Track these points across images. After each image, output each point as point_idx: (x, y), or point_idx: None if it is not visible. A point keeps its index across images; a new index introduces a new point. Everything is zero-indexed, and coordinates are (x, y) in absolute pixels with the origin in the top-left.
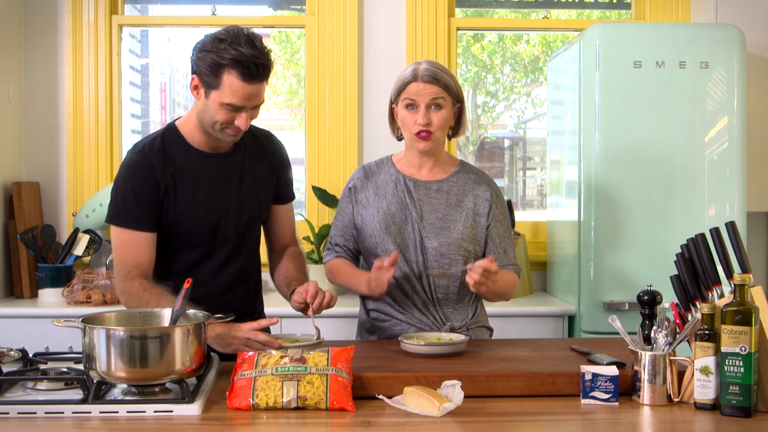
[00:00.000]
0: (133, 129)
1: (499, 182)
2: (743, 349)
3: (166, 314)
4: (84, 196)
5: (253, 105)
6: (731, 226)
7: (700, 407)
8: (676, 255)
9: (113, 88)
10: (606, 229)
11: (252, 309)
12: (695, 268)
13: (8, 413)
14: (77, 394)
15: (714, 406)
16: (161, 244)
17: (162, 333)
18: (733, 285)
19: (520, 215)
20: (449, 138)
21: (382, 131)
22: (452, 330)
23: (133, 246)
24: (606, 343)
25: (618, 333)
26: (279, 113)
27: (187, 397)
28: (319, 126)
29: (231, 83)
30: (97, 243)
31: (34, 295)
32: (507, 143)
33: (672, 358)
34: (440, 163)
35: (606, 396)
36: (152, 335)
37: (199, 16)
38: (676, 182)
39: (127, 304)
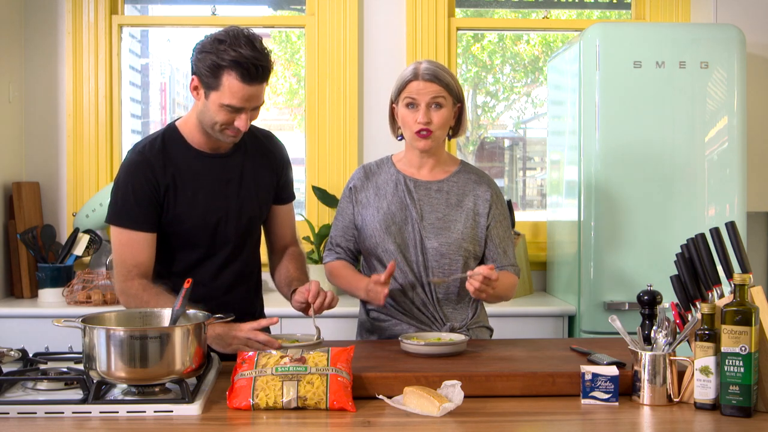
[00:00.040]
0: (133, 129)
1: (499, 182)
2: (743, 349)
3: (166, 314)
4: (84, 196)
5: (252, 106)
6: (731, 226)
7: (700, 407)
8: (676, 255)
9: (113, 88)
10: (606, 229)
11: (252, 309)
12: (695, 268)
13: (8, 413)
14: (77, 394)
15: (714, 406)
16: (161, 244)
17: (162, 333)
18: (733, 285)
19: (520, 215)
20: (449, 138)
21: (382, 131)
22: (452, 330)
23: (132, 246)
24: (606, 343)
25: (618, 333)
26: (279, 113)
27: (187, 397)
28: (319, 126)
29: (230, 84)
30: (97, 243)
31: (34, 295)
32: (507, 143)
33: (672, 358)
34: (440, 163)
35: (606, 396)
36: (152, 335)
37: (199, 16)
38: (676, 182)
39: (127, 305)
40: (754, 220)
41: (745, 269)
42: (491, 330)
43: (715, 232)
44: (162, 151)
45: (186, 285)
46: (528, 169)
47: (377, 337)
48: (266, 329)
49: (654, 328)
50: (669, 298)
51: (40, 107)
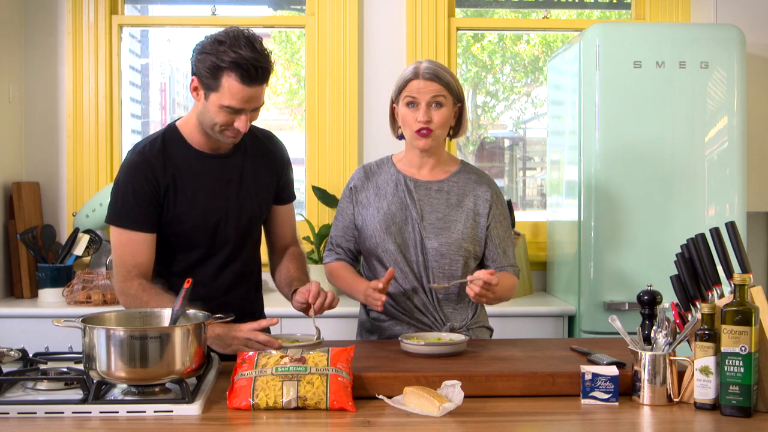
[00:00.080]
0: (133, 129)
1: (499, 182)
2: (743, 349)
3: (166, 314)
4: (84, 196)
5: (252, 107)
6: (731, 226)
7: (700, 407)
8: (676, 255)
9: (113, 88)
10: (606, 229)
11: (252, 309)
12: (695, 268)
13: (8, 413)
14: (77, 394)
15: (714, 406)
16: (161, 244)
17: (162, 333)
18: (733, 285)
19: (520, 215)
20: (450, 138)
21: (382, 131)
22: (452, 330)
23: (132, 246)
24: (606, 343)
25: (618, 333)
26: (279, 113)
27: (187, 397)
28: (319, 126)
29: (230, 86)
30: (97, 243)
31: (34, 295)
32: (507, 143)
33: (672, 358)
34: (441, 163)
35: (606, 396)
36: (152, 335)
37: (199, 16)
38: (676, 182)
39: (127, 305)
40: (754, 220)
41: (745, 269)
42: (491, 330)
43: (715, 232)
44: (162, 152)
45: (186, 285)
46: (528, 169)
47: (377, 337)
48: (266, 329)
49: (654, 328)
50: (669, 298)
51: (40, 107)
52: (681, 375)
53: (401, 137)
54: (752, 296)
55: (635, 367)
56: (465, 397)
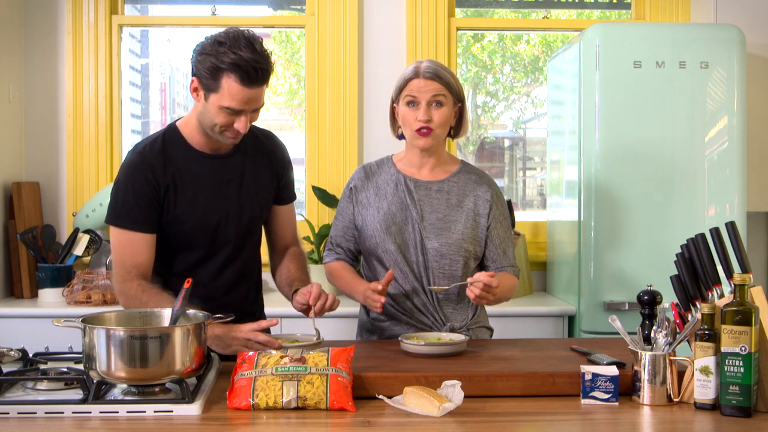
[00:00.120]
0: (133, 129)
1: (499, 182)
2: (743, 349)
3: (166, 314)
4: (84, 196)
5: (252, 108)
6: (731, 226)
7: (700, 407)
8: (676, 255)
9: (113, 88)
10: (606, 229)
11: (252, 309)
12: (695, 268)
13: (8, 413)
14: (77, 394)
15: (714, 406)
16: (162, 245)
17: (162, 333)
18: (733, 285)
19: (520, 215)
20: (452, 138)
21: (382, 131)
22: (452, 330)
23: (132, 247)
24: (606, 343)
25: (618, 333)
26: (279, 113)
27: (187, 397)
28: (319, 126)
29: (230, 87)
30: (97, 243)
31: (34, 295)
32: (507, 143)
33: (672, 358)
34: (441, 163)
35: (606, 396)
36: (152, 335)
37: (199, 16)
38: (676, 182)
39: (126, 305)
40: (754, 220)
41: (745, 269)
42: (491, 330)
43: (715, 232)
44: (162, 152)
45: (186, 285)
46: (528, 169)
47: (377, 338)
48: (266, 330)
49: (654, 328)
50: (669, 298)
51: (40, 107)
52: (681, 375)
53: (401, 137)
54: (752, 296)
55: (635, 367)
56: (465, 397)
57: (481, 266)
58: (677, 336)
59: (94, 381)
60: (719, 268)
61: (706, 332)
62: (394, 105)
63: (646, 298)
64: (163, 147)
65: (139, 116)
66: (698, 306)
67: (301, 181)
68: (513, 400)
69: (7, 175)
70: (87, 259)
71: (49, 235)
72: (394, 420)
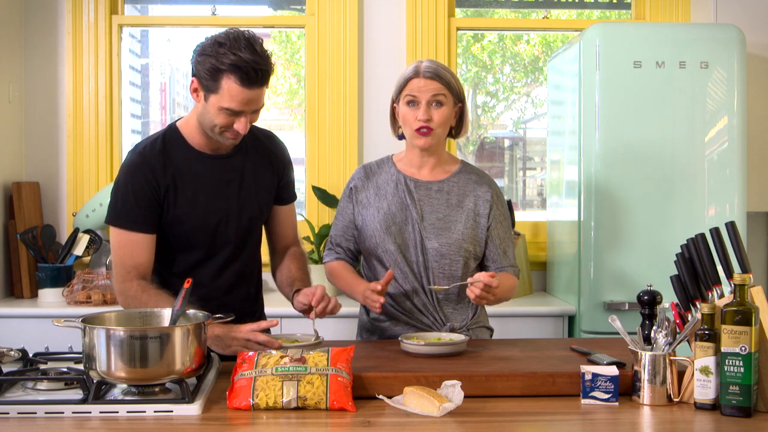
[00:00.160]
0: (133, 129)
1: (499, 182)
2: (743, 349)
3: (166, 314)
4: (84, 196)
5: (252, 109)
6: (731, 226)
7: (700, 407)
8: (676, 255)
9: (113, 88)
10: (606, 229)
11: (253, 310)
12: (695, 268)
13: (8, 413)
14: (77, 394)
15: (714, 406)
16: (162, 245)
17: (162, 333)
18: (733, 285)
19: (520, 215)
20: (453, 137)
21: (382, 131)
22: (452, 330)
23: (132, 247)
24: (606, 343)
25: (618, 333)
26: (279, 113)
27: (187, 397)
28: (319, 126)
29: (230, 88)
30: (97, 243)
31: (34, 295)
32: (507, 143)
33: (672, 358)
34: (441, 162)
35: (606, 396)
36: (152, 335)
37: (199, 16)
38: (676, 182)
39: (126, 306)
40: (754, 220)
41: (745, 269)
42: (491, 330)
43: (715, 232)
44: (162, 152)
45: (186, 285)
46: (528, 169)
47: (377, 338)
48: (266, 330)
49: (654, 328)
50: (669, 298)
51: (40, 107)
52: (681, 375)
53: (401, 137)
54: (752, 296)
55: (635, 367)
56: (465, 397)
57: (482, 266)
58: (677, 336)
59: (94, 381)
60: (719, 268)
61: (706, 332)
62: (395, 105)
63: (646, 298)
64: (164, 147)
65: (139, 116)
66: (698, 306)
67: (301, 181)
68: (513, 400)
69: (7, 175)
70: (87, 259)
71: (49, 235)
72: (394, 420)
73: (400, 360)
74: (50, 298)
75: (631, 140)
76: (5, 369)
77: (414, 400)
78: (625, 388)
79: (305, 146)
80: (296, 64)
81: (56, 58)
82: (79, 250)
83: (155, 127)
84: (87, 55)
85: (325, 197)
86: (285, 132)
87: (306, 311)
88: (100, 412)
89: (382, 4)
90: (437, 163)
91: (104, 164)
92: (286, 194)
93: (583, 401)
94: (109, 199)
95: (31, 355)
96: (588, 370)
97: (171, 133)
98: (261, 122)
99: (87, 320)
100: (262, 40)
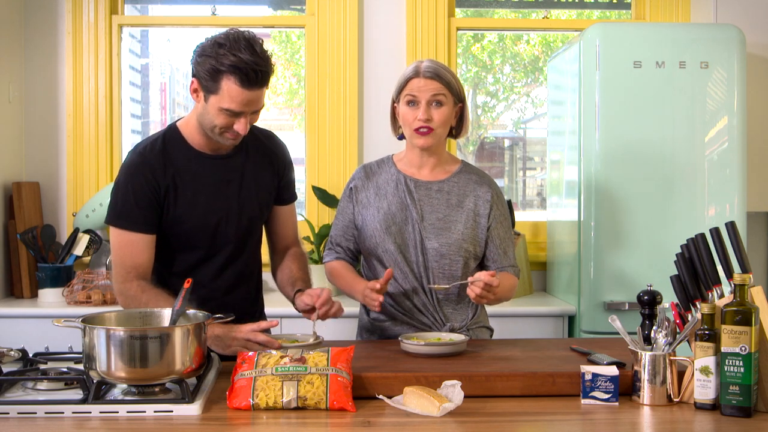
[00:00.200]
0: (133, 129)
1: (499, 182)
2: (743, 349)
3: (166, 314)
4: (84, 196)
5: (252, 110)
6: (731, 226)
7: (700, 407)
8: (676, 255)
9: (113, 88)
10: (606, 229)
11: (253, 310)
12: (695, 268)
13: (8, 413)
14: (77, 394)
15: (714, 406)
16: (162, 245)
17: (162, 333)
18: (733, 285)
19: (520, 215)
20: (454, 137)
21: (382, 131)
22: (452, 330)
23: (132, 248)
24: (606, 343)
25: (618, 333)
26: (279, 113)
27: (187, 397)
28: (319, 126)
29: (230, 89)
30: (97, 243)
31: (34, 295)
32: (507, 143)
33: (672, 358)
34: (441, 163)
35: (606, 396)
36: (152, 335)
37: (199, 16)
38: (676, 182)
39: (125, 306)
40: (754, 220)
41: (745, 269)
42: (491, 330)
43: (715, 232)
44: (162, 152)
45: (186, 285)
46: (528, 169)
47: (377, 338)
48: (266, 330)
49: (654, 328)
50: (669, 298)
51: (40, 107)
52: (681, 375)
53: (401, 137)
54: (752, 296)
55: (635, 367)
56: (465, 397)
57: (482, 266)
58: (677, 336)
59: (94, 381)
60: (719, 268)
61: (706, 332)
62: (395, 105)
63: (646, 298)
64: (164, 147)
65: (139, 116)
66: (698, 306)
67: (301, 181)
68: (513, 400)
69: (7, 175)
70: (87, 259)
71: (49, 235)
72: (394, 420)
73: (400, 360)
74: (50, 298)
75: (631, 140)
76: (5, 369)
77: (414, 400)
78: (625, 388)
79: (305, 146)
80: (296, 64)
81: (56, 58)
82: (79, 250)
83: (155, 127)
84: (87, 55)
85: (325, 197)
86: (285, 132)
87: (308, 312)
88: (100, 412)
89: (382, 4)
90: (437, 163)
91: (104, 164)
92: (287, 194)
93: (583, 401)
94: (109, 199)
95: (31, 355)
96: (588, 370)
97: (171, 133)
98: (261, 122)
99: (87, 320)
100: (262, 40)
